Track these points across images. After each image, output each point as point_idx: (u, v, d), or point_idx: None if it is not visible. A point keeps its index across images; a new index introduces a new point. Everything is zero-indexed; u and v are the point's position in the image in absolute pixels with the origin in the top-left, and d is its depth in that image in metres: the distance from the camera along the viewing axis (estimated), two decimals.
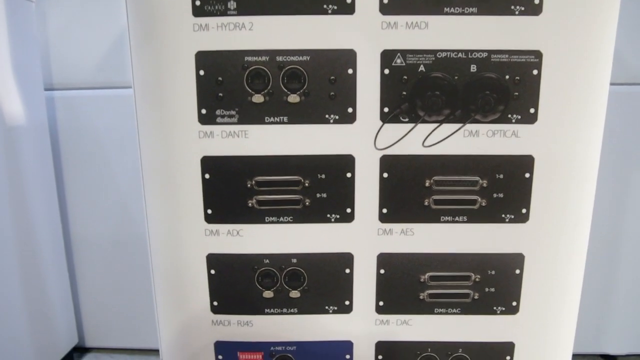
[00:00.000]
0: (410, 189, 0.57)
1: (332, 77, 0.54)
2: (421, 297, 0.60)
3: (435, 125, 0.55)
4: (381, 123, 0.55)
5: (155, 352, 0.64)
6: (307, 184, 0.56)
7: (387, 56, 0.53)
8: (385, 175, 0.56)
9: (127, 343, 1.16)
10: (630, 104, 0.98)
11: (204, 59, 0.53)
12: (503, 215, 0.57)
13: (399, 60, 0.53)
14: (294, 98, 0.54)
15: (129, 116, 0.57)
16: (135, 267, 1.09)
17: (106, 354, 1.17)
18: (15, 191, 0.93)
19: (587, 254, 0.60)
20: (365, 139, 0.55)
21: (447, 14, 0.52)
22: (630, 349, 1.12)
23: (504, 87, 0.54)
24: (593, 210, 0.58)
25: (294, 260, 0.59)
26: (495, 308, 0.61)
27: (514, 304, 0.60)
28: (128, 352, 1.16)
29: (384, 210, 0.57)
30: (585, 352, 1.13)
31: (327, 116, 0.55)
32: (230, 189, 0.57)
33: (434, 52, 0.53)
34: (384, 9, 0.52)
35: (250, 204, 0.57)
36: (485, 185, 0.56)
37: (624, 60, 0.97)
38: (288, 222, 0.58)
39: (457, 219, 0.58)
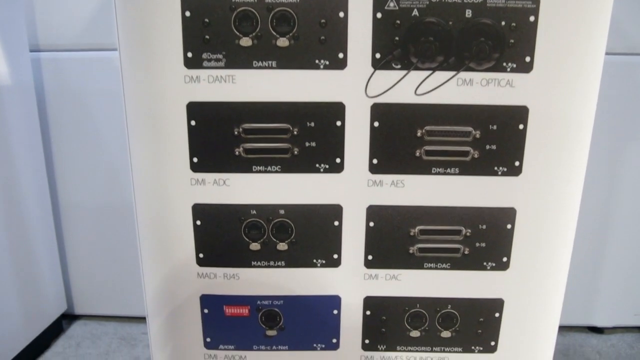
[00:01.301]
0: (401, 139, 0.55)
1: (322, 21, 0.52)
2: (411, 252, 0.59)
3: (428, 72, 0.53)
4: (373, 69, 0.53)
5: (145, 319, 0.63)
6: (295, 132, 0.55)
7: None
8: (376, 124, 0.55)
9: (116, 310, 1.15)
10: (627, 73, 0.97)
11: None
12: (495, 168, 0.56)
13: (392, 4, 0.51)
14: (283, 42, 0.52)
15: (118, 79, 0.55)
16: (125, 233, 1.07)
17: (95, 321, 1.16)
18: (1, 155, 0.91)
19: (577, 226, 0.59)
20: (356, 86, 0.54)
21: None
22: (617, 321, 1.13)
23: (500, 34, 0.52)
24: (585, 182, 0.57)
25: (282, 212, 0.58)
26: (485, 264, 0.60)
27: (505, 259, 0.60)
28: (117, 320, 1.16)
29: (374, 161, 0.56)
30: (573, 324, 1.14)
31: (317, 61, 0.53)
32: (217, 137, 0.55)
33: None
34: None
35: (237, 153, 0.56)
36: (478, 136, 0.55)
37: (622, 30, 0.95)
38: (276, 171, 0.56)
39: (448, 170, 0.56)
